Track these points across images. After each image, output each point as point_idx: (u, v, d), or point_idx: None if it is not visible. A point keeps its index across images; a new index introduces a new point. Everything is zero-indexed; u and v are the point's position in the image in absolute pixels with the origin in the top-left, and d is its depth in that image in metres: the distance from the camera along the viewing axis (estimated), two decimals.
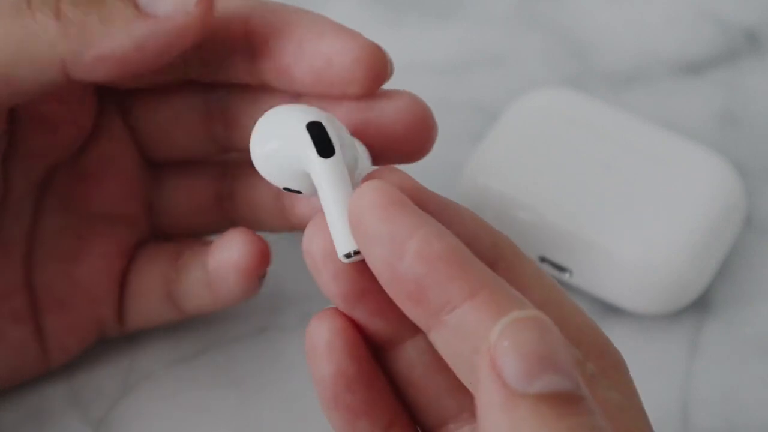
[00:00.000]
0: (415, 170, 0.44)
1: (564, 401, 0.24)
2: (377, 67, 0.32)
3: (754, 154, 0.45)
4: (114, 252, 0.37)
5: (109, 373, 0.39)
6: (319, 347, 0.29)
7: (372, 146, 0.33)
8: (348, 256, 0.28)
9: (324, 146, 0.29)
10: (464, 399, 0.30)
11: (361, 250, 0.28)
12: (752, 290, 0.42)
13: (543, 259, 0.41)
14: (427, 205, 0.28)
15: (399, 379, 0.30)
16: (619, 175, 0.41)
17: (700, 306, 0.41)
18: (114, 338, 0.39)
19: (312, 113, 0.30)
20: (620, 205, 0.40)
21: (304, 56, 0.32)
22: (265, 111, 0.34)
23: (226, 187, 0.37)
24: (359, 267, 0.28)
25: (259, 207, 0.37)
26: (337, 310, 0.29)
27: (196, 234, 0.39)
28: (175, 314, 0.38)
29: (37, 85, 0.32)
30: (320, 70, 0.32)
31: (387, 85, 0.33)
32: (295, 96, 0.34)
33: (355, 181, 0.30)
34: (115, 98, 0.37)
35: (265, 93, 0.35)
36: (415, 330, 0.30)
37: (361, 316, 0.29)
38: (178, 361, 0.39)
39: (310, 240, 0.29)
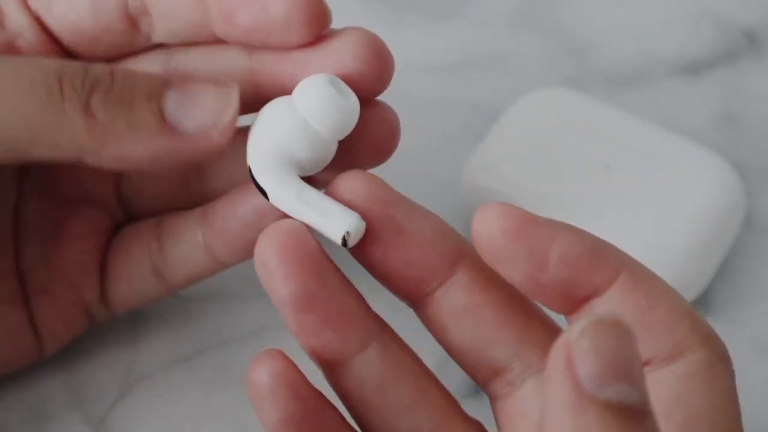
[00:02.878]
0: (416, 170, 0.45)
1: (631, 415, 0.23)
2: (313, 12, 0.32)
3: (754, 154, 0.45)
4: (88, 234, 0.37)
5: (109, 373, 0.39)
6: (262, 392, 0.29)
7: None
8: (344, 243, 0.29)
9: (260, 190, 0.31)
10: (419, 417, 0.30)
11: (498, 270, 0.29)
12: (752, 290, 0.42)
13: None
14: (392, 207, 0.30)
15: (352, 399, 0.30)
16: (619, 175, 0.41)
17: (700, 306, 0.41)
18: (112, 337, 0.39)
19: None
20: (620, 205, 0.40)
21: (245, 2, 0.32)
22: (219, 71, 0.34)
23: (192, 169, 0.37)
24: (311, 269, 0.29)
25: (229, 186, 0.36)
26: (274, 351, 0.29)
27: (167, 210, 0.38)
28: (162, 288, 0.37)
29: (46, 159, 0.32)
30: (257, 16, 0.32)
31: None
32: (247, 49, 0.34)
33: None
34: None
35: (221, 49, 0.34)
36: (363, 343, 0.30)
37: (311, 326, 0.29)
38: (178, 361, 0.39)
39: (264, 245, 0.29)
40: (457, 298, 0.30)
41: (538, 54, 0.49)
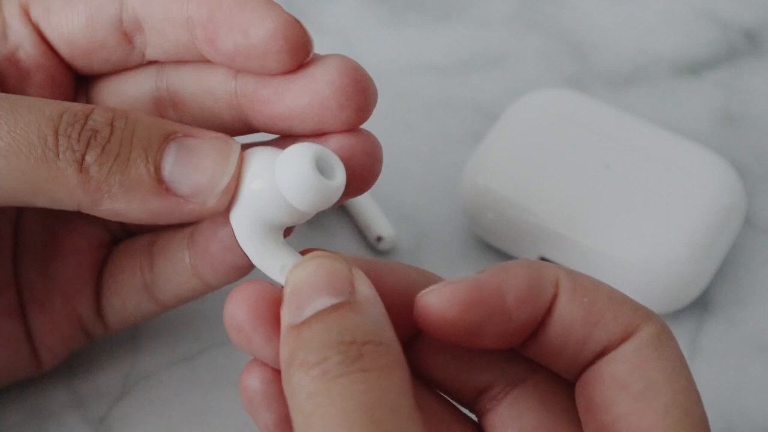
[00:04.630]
0: (415, 169, 0.45)
1: (332, 311, 0.26)
2: (294, 40, 0.31)
3: (754, 154, 0.45)
4: (85, 248, 0.37)
5: (109, 373, 0.39)
6: (255, 398, 0.29)
7: (309, 116, 0.32)
8: None
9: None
10: None
11: (472, 345, 0.29)
12: (752, 290, 0.42)
13: (543, 260, 0.41)
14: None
15: None
16: (619, 175, 0.41)
17: (700, 306, 0.41)
18: (112, 338, 0.39)
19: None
20: (620, 205, 0.40)
21: (227, 27, 0.32)
22: (205, 91, 0.34)
23: None
24: None
25: None
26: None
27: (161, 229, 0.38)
28: (153, 306, 0.37)
29: (50, 207, 0.32)
30: (238, 42, 0.32)
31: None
32: (232, 71, 0.33)
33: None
34: (83, 87, 0.36)
35: (209, 68, 0.34)
36: None
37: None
38: (178, 361, 0.39)
39: (234, 311, 0.29)
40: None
41: (538, 54, 0.49)
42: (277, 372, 0.29)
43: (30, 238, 0.37)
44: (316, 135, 0.32)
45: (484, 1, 0.50)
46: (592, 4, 0.50)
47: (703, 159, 0.42)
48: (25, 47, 0.34)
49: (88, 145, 0.31)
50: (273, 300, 0.29)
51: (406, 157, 0.45)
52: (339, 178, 0.30)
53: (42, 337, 0.37)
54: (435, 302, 0.29)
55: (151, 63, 0.35)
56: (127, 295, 0.37)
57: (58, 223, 0.37)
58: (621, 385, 0.29)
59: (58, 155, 0.31)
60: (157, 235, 0.37)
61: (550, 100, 0.43)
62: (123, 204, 0.31)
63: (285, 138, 0.33)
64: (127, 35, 0.34)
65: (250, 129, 0.34)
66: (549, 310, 0.29)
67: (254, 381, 0.29)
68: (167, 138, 0.31)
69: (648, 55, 0.49)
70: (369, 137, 0.33)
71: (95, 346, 0.39)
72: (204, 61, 0.34)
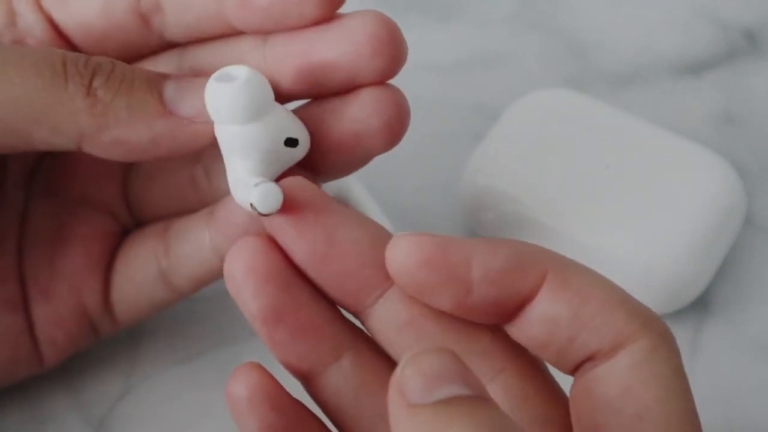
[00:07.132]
0: (415, 169, 0.45)
1: (462, 401, 0.24)
2: None
3: (754, 154, 0.45)
4: (93, 237, 0.37)
5: (109, 373, 0.39)
6: (240, 405, 0.29)
7: (342, 66, 0.32)
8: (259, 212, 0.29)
9: None
10: None
11: (424, 301, 0.29)
12: (752, 290, 0.42)
13: None
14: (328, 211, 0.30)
15: (331, 409, 0.30)
16: (619, 175, 0.41)
17: (699, 306, 0.41)
18: (112, 338, 0.39)
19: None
20: (620, 205, 0.40)
21: None
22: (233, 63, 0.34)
23: (199, 168, 0.37)
24: (279, 283, 0.29)
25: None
26: (251, 364, 0.30)
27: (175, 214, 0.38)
28: (168, 294, 0.37)
29: (47, 145, 0.32)
30: None
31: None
32: (260, 37, 0.33)
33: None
34: None
35: (234, 41, 0.34)
36: (337, 353, 0.30)
37: (283, 338, 0.30)
38: (178, 361, 0.40)
39: (232, 261, 0.29)
40: (397, 311, 0.30)
41: (538, 54, 0.49)
42: (263, 378, 0.29)
43: (36, 226, 0.36)
44: (347, 88, 0.32)
45: (484, 1, 0.50)
46: (592, 4, 0.50)
47: (703, 159, 0.42)
48: (35, 34, 0.34)
49: (94, 73, 0.32)
50: (270, 255, 0.29)
51: (406, 157, 0.45)
52: (242, 77, 0.31)
53: (45, 330, 0.36)
54: (398, 249, 0.28)
55: (168, 46, 0.35)
56: (140, 283, 0.37)
57: (65, 212, 0.37)
58: (613, 409, 0.27)
59: (67, 79, 0.32)
60: (171, 220, 0.37)
61: (550, 100, 0.43)
62: (127, 128, 0.32)
63: (313, 103, 0.33)
64: (144, 17, 0.34)
65: (278, 95, 0.33)
66: (528, 299, 0.28)
67: (240, 387, 0.29)
68: (165, 77, 0.33)
69: (648, 55, 0.49)
70: (398, 90, 0.33)
71: (96, 347, 0.39)
72: (226, 34, 0.34)
